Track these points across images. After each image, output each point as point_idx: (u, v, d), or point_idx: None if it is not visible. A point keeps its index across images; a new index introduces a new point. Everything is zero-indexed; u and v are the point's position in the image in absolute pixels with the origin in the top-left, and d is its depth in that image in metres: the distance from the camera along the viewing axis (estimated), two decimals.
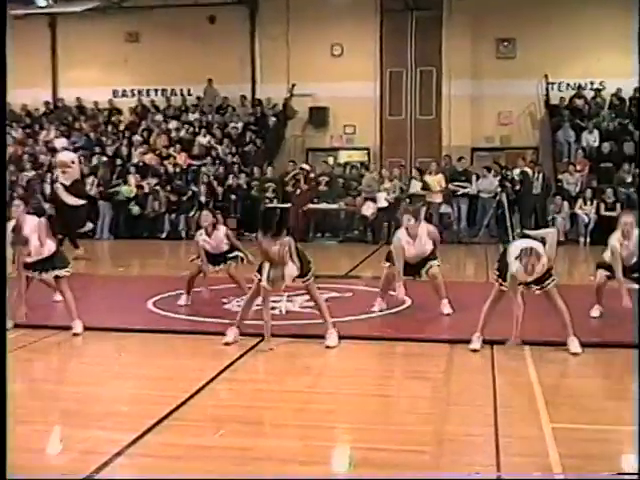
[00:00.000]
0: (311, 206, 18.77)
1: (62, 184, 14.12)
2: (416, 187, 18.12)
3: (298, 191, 18.94)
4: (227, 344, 7.32)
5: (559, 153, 20.44)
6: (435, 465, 4.45)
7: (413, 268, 8.72)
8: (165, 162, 20.80)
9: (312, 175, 19.78)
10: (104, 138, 22.37)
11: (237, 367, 6.70)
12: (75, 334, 7.81)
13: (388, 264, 8.77)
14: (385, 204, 17.95)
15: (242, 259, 9.35)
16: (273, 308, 8.32)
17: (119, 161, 20.95)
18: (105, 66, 23.76)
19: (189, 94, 23.77)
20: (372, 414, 5.51)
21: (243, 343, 7.35)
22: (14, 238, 7.45)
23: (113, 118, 23.49)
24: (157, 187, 19.66)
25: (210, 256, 9.25)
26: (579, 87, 21.70)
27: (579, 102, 21.36)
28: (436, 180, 18.37)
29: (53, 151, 20.08)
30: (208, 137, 21.69)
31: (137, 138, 21.94)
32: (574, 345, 6.99)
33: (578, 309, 7.85)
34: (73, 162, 14.38)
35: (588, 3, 21.27)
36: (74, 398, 5.86)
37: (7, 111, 18.89)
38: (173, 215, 19.27)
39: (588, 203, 17.66)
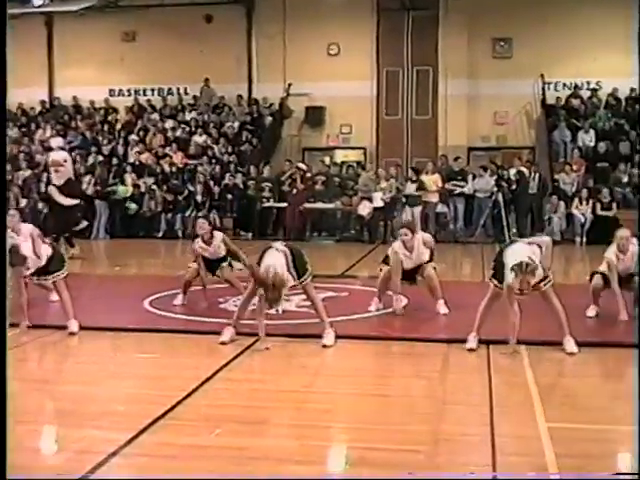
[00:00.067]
0: (307, 205, 18.77)
1: (55, 185, 14.09)
2: (411, 189, 18.12)
3: (294, 190, 18.94)
4: (223, 343, 7.32)
5: (555, 153, 20.47)
6: (431, 464, 4.44)
7: (409, 274, 8.74)
8: (161, 161, 20.80)
9: (308, 175, 19.78)
10: (100, 137, 22.38)
11: (233, 366, 6.69)
12: (71, 333, 7.81)
13: (387, 267, 8.76)
14: (381, 204, 17.97)
15: (231, 265, 9.35)
16: (270, 308, 8.32)
17: (115, 160, 20.94)
18: (101, 65, 23.76)
19: (185, 93, 23.77)
20: (368, 413, 5.51)
21: (239, 342, 7.34)
22: (12, 259, 7.40)
23: (109, 117, 23.48)
24: (153, 186, 19.67)
25: (208, 262, 9.27)
26: (575, 87, 21.75)
27: (575, 102, 21.39)
28: (432, 180, 18.38)
29: (49, 150, 19.97)
30: (204, 136, 21.71)
31: (133, 137, 21.94)
32: (570, 345, 6.99)
33: (574, 309, 7.86)
34: (65, 161, 14.36)
35: (584, 3, 21.29)
36: (69, 397, 5.85)
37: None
38: (169, 214, 19.27)
39: (584, 203, 17.68)
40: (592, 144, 20.01)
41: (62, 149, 15.45)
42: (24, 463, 4.29)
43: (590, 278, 8.67)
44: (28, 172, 20.28)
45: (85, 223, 16.01)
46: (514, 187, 18.16)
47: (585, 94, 21.66)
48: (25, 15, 21.92)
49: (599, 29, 20.94)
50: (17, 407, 4.71)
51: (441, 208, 18.75)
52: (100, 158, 21.00)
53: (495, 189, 18.12)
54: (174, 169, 20.50)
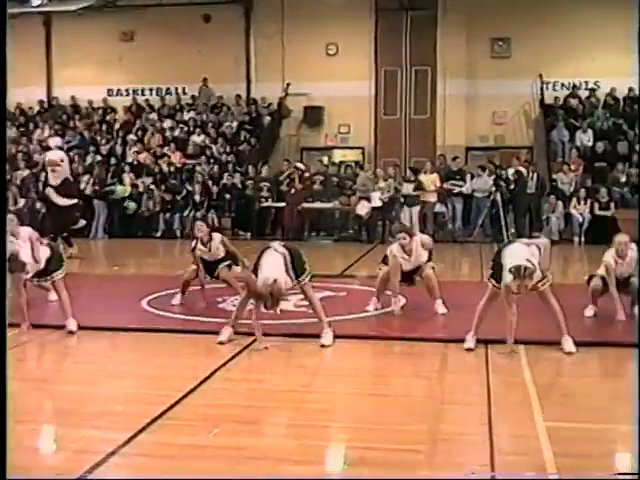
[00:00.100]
0: (306, 205, 18.77)
1: (52, 186, 14.07)
2: (408, 189, 18.11)
3: (293, 190, 18.94)
4: (221, 343, 7.32)
5: (553, 152, 20.48)
6: (429, 464, 4.45)
7: (407, 275, 8.76)
8: (160, 161, 20.80)
9: (307, 174, 19.78)
10: (98, 137, 22.38)
11: (231, 366, 6.69)
12: (70, 332, 7.81)
13: (385, 268, 8.77)
14: (379, 203, 17.97)
15: (230, 266, 9.35)
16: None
17: (113, 160, 20.93)
18: (100, 65, 23.74)
19: (184, 93, 23.77)
20: (367, 413, 5.51)
21: (237, 342, 7.34)
22: (12, 266, 7.39)
23: (107, 117, 23.48)
24: (152, 186, 19.66)
25: (206, 264, 9.27)
26: (573, 87, 21.77)
27: (573, 102, 21.40)
28: (431, 179, 18.38)
29: (47, 150, 20.04)
30: (203, 136, 21.71)
31: (131, 137, 21.94)
32: (568, 344, 6.99)
33: (572, 309, 7.87)
34: (62, 160, 14.35)
35: (583, 3, 21.31)
36: (68, 397, 5.85)
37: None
38: (168, 214, 19.26)
39: (582, 202, 17.69)
40: (590, 144, 20.03)
41: (60, 149, 15.46)
42: (23, 463, 4.29)
43: (588, 281, 8.68)
44: (26, 172, 20.27)
45: (83, 222, 16.00)
46: (512, 187, 18.16)
47: (583, 94, 21.68)
48: (23, 15, 21.92)
49: (597, 29, 20.96)
50: (16, 407, 4.71)
51: (439, 208, 18.75)
52: (98, 158, 20.99)
53: (493, 189, 18.14)
54: (172, 169, 20.50)
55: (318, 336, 7.39)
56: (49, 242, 8.69)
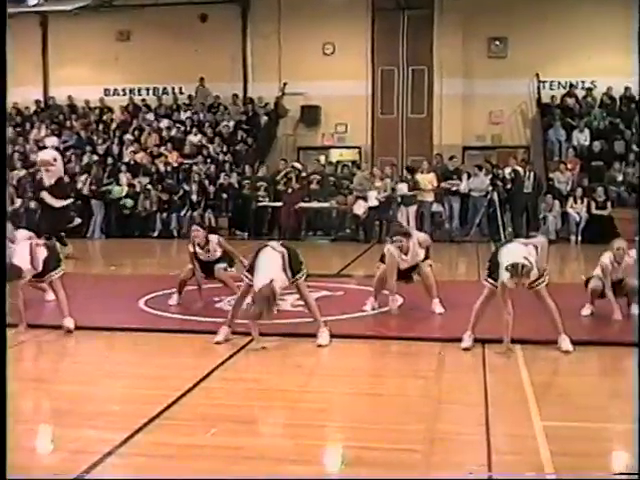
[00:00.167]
0: (303, 205, 18.77)
1: (46, 188, 14.02)
2: (403, 189, 18.10)
3: (290, 190, 18.94)
4: (218, 343, 7.32)
5: (550, 152, 20.50)
6: (427, 464, 4.45)
7: (405, 273, 8.76)
8: (156, 161, 20.80)
9: (304, 174, 19.80)
10: (95, 137, 22.37)
11: (228, 366, 6.69)
12: (68, 331, 7.80)
13: (383, 266, 8.77)
14: (376, 203, 17.96)
15: (226, 268, 9.35)
16: None
17: (110, 160, 20.93)
18: (96, 64, 23.74)
19: (180, 93, 23.76)
20: (364, 413, 5.51)
21: (234, 342, 7.34)
22: (8, 276, 7.36)
23: (104, 117, 23.47)
24: (148, 186, 19.64)
25: (203, 264, 9.27)
26: (570, 86, 21.77)
27: (570, 101, 21.43)
28: (427, 179, 18.40)
29: (44, 149, 20.04)
30: (199, 136, 21.71)
31: (128, 137, 21.93)
32: (565, 343, 7.00)
33: (569, 308, 7.88)
34: (55, 160, 14.29)
35: (579, 2, 21.35)
36: (65, 397, 5.85)
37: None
38: (164, 214, 19.26)
39: (579, 202, 17.70)
40: (587, 143, 20.05)
41: (57, 149, 15.42)
42: (20, 463, 4.29)
43: (585, 283, 8.68)
44: (23, 172, 20.25)
45: (78, 220, 15.96)
46: (509, 186, 18.17)
47: (580, 93, 21.70)
48: (20, 14, 21.88)
49: (594, 28, 20.98)
50: (13, 407, 4.70)
51: (436, 207, 18.77)
52: (95, 158, 21.00)
53: (490, 188, 18.14)
54: (169, 168, 20.50)
55: (315, 336, 7.38)
56: (45, 242, 8.68)
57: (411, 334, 7.81)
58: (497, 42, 22.20)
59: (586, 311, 8.52)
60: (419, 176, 18.45)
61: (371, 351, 7.52)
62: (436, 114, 22.31)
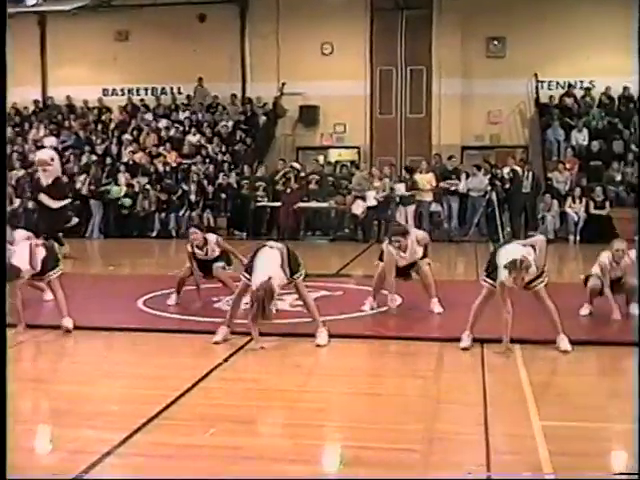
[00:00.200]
0: (301, 205, 18.76)
1: (43, 190, 13.99)
2: (400, 190, 18.10)
3: (288, 190, 18.93)
4: (217, 343, 7.32)
5: (549, 152, 20.51)
6: (425, 464, 4.45)
7: (403, 270, 8.77)
8: (155, 161, 20.79)
9: (302, 174, 19.80)
10: (94, 137, 22.36)
11: (227, 366, 6.69)
12: (67, 331, 7.80)
13: (381, 263, 8.79)
14: (374, 203, 17.95)
15: (224, 267, 9.36)
16: None
17: (109, 160, 20.92)
18: (95, 64, 23.73)
19: (179, 93, 23.74)
20: (362, 413, 5.51)
21: (233, 342, 7.34)
22: (7, 276, 7.36)
23: (103, 117, 23.45)
24: (147, 186, 19.63)
25: (201, 263, 9.28)
26: (569, 86, 21.77)
27: (569, 101, 21.42)
28: (426, 179, 18.41)
29: (42, 149, 20.03)
30: (198, 136, 21.70)
31: (127, 137, 21.92)
32: (564, 343, 7.00)
33: (568, 307, 7.88)
34: (53, 159, 14.26)
35: (578, 2, 21.34)
36: (64, 397, 5.85)
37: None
38: (163, 214, 19.24)
39: (577, 201, 17.70)
40: (585, 143, 20.05)
41: (55, 149, 15.39)
42: (19, 463, 4.29)
43: (585, 282, 8.68)
44: (22, 172, 20.24)
45: (76, 220, 15.95)
46: (508, 186, 18.17)
47: (578, 93, 21.69)
48: (18, 14, 21.86)
49: (592, 28, 20.99)
50: (12, 407, 4.70)
51: (435, 207, 18.77)
52: (94, 158, 20.99)
53: (489, 188, 18.14)
54: (168, 168, 20.49)
55: (314, 335, 7.39)
56: (44, 242, 8.68)
57: (410, 334, 7.82)
58: (496, 42, 22.20)
59: (585, 311, 8.52)
60: (418, 176, 18.45)
61: (370, 351, 7.52)
62: (435, 114, 22.31)
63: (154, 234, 19.07)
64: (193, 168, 20.11)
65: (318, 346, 7.28)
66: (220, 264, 9.28)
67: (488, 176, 18.41)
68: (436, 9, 22.17)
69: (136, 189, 19.59)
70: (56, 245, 10.49)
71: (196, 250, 9.19)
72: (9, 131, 22.32)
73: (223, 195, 19.49)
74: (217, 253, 9.27)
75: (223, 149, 21.30)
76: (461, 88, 22.00)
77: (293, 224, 18.54)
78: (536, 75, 21.54)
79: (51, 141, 21.30)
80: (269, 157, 22.00)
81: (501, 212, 17.92)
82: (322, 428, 5.21)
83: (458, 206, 18.83)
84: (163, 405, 5.43)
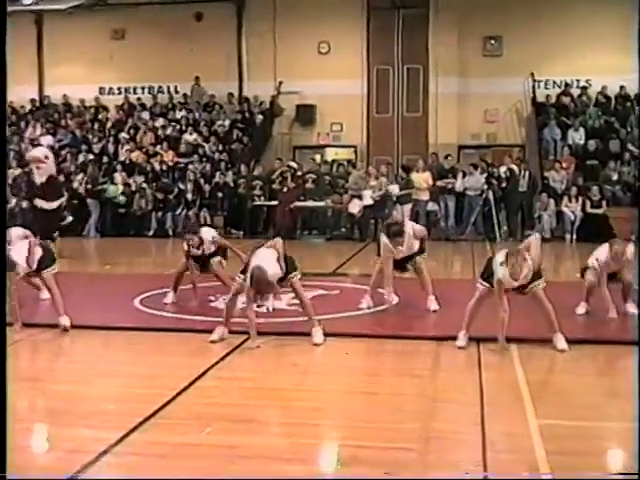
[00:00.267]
0: (298, 204, 18.75)
1: (37, 192, 13.93)
2: (395, 191, 18.08)
3: (285, 189, 18.92)
4: (213, 342, 7.32)
5: (545, 151, 20.50)
6: (422, 463, 4.45)
7: (400, 263, 8.79)
8: (152, 160, 20.75)
9: (299, 173, 19.77)
10: (90, 136, 22.33)
11: (223, 365, 6.69)
12: (63, 330, 7.80)
13: (380, 259, 8.83)
14: (371, 202, 17.95)
15: (221, 262, 9.37)
16: (260, 306, 8.34)
17: (106, 159, 20.91)
18: (91, 63, 23.68)
19: (176, 92, 23.70)
20: (359, 412, 5.51)
21: (230, 341, 7.34)
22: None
23: (99, 116, 23.42)
24: (144, 185, 19.62)
25: (198, 259, 9.28)
26: (565, 85, 21.78)
27: (565, 100, 21.43)
28: (423, 178, 18.40)
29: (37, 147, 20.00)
30: (195, 135, 21.67)
31: (124, 136, 21.88)
32: (560, 342, 7.00)
33: (564, 306, 7.89)
34: (47, 157, 14.19)
35: (575, 1, 21.35)
36: (60, 396, 5.84)
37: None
38: (160, 213, 19.22)
39: (574, 200, 17.71)
40: (582, 142, 20.04)
41: (52, 148, 15.35)
42: (16, 462, 4.28)
43: (582, 274, 8.68)
44: (18, 171, 20.20)
45: (70, 218, 15.89)
46: (504, 185, 18.19)
47: (575, 92, 21.70)
48: (15, 13, 21.83)
49: (589, 27, 21.00)
50: (9, 406, 4.69)
51: (432, 206, 18.76)
52: (90, 157, 20.96)
53: (485, 187, 18.14)
54: (164, 167, 20.47)
55: (310, 334, 7.38)
56: (40, 242, 8.66)
57: (406, 333, 7.83)
58: (492, 41, 22.20)
59: (581, 309, 8.52)
60: (414, 175, 18.44)
61: (366, 350, 7.52)
62: (431, 113, 22.31)
63: (151, 233, 19.05)
64: (190, 167, 20.10)
65: (315, 345, 7.28)
66: (217, 259, 9.30)
67: (485, 175, 18.41)
68: (433, 8, 22.16)
69: (133, 188, 19.58)
70: (52, 244, 10.50)
71: (194, 250, 9.20)
72: (6, 130, 22.31)
73: (220, 194, 19.48)
74: (213, 249, 9.29)
75: (220, 148, 21.28)
76: (458, 87, 22.00)
77: (290, 223, 18.53)
78: (533, 74, 21.55)
79: (48, 140, 21.26)
80: (266, 156, 21.98)
81: (498, 211, 17.94)
82: (318, 427, 5.21)
83: (455, 205, 18.84)
84: (159, 404, 5.43)
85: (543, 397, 5.78)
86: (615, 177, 18.47)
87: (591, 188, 17.78)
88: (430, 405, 5.57)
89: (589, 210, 17.46)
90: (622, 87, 20.87)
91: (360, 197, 18.07)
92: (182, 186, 19.55)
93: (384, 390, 6.12)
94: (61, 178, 18.62)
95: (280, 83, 22.58)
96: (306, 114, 22.79)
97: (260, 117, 22.52)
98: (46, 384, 6.35)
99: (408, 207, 17.89)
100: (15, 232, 8.41)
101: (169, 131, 22.08)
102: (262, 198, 19.29)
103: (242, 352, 7.10)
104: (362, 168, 19.78)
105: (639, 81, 19.08)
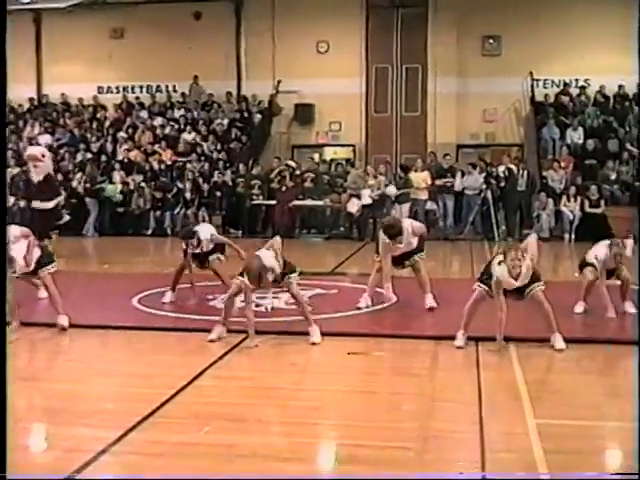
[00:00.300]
0: (296, 203, 18.76)
1: (35, 193, 13.90)
2: (392, 192, 18.07)
3: (283, 188, 18.93)
4: (212, 341, 7.32)
5: (544, 150, 20.50)
6: (420, 462, 4.45)
7: (398, 259, 8.79)
8: (150, 159, 20.75)
9: (297, 172, 19.79)
10: (89, 135, 22.32)
11: (222, 364, 6.69)
12: (62, 329, 7.79)
13: (378, 257, 8.84)
14: (369, 201, 17.95)
15: (219, 258, 9.39)
16: (258, 305, 8.35)
17: (104, 158, 20.90)
18: (90, 62, 23.67)
19: (174, 91, 23.68)
20: (357, 411, 5.51)
21: (228, 340, 7.34)
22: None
23: (98, 114, 23.41)
24: (142, 184, 19.61)
25: (197, 256, 9.28)
26: (564, 84, 21.77)
27: (564, 99, 21.43)
28: (421, 177, 18.41)
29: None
30: (193, 134, 21.67)
31: (122, 135, 21.88)
32: (558, 342, 7.00)
33: (562, 305, 7.89)
34: (44, 155, 14.16)
35: (573, 1, 21.35)
36: (59, 395, 5.84)
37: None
38: (158, 212, 19.22)
39: (572, 200, 17.72)
40: (580, 141, 20.05)
41: (50, 147, 15.32)
42: (14, 461, 4.27)
43: (580, 269, 8.68)
44: (16, 170, 20.19)
45: (67, 217, 15.88)
46: (503, 184, 18.20)
47: (574, 91, 21.70)
48: (13, 12, 21.83)
49: (587, 27, 21.00)
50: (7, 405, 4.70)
51: (430, 205, 18.77)
52: (89, 156, 20.96)
53: (484, 186, 18.15)
54: (163, 166, 20.47)
55: (308, 334, 7.38)
56: (39, 243, 8.66)
57: (405, 332, 7.83)
58: (491, 40, 22.20)
59: (579, 308, 8.52)
60: (413, 174, 18.45)
61: (365, 349, 7.50)
62: (430, 112, 22.30)
63: (149, 232, 19.05)
64: (188, 166, 20.10)
65: (313, 344, 7.28)
66: (215, 256, 9.31)
67: (483, 174, 18.43)
68: (432, 7, 22.16)
69: (131, 187, 19.58)
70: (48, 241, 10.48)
71: (190, 247, 9.19)
72: None
73: (218, 193, 19.48)
74: (212, 246, 9.29)
75: (218, 147, 21.28)
76: (456, 86, 22.00)
77: (288, 222, 18.53)
78: (531, 73, 21.54)
79: (46, 139, 21.26)
80: (264, 155, 21.98)
81: (496, 210, 17.95)
82: (317, 426, 5.21)
83: (453, 204, 18.85)
84: (158, 403, 5.43)
85: (541, 396, 5.78)
86: (613, 176, 18.48)
87: (590, 187, 17.80)
88: (428, 404, 5.57)
89: (588, 209, 17.47)
90: (620, 87, 20.89)
91: (359, 196, 18.08)
92: (180, 185, 19.55)
93: (382, 389, 6.13)
94: (60, 177, 18.66)
95: (279, 82, 22.57)
96: (305, 113, 22.78)
97: (259, 116, 22.51)
98: (44, 383, 6.35)
99: (406, 206, 17.90)
100: (14, 230, 8.39)
101: (167, 130, 22.07)
102: (261, 197, 19.29)
103: (240, 351, 7.10)
104: (361, 167, 19.78)
105: (639, 81, 19.15)
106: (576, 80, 21.75)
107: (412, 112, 22.63)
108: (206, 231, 9.42)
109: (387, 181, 18.54)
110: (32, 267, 8.01)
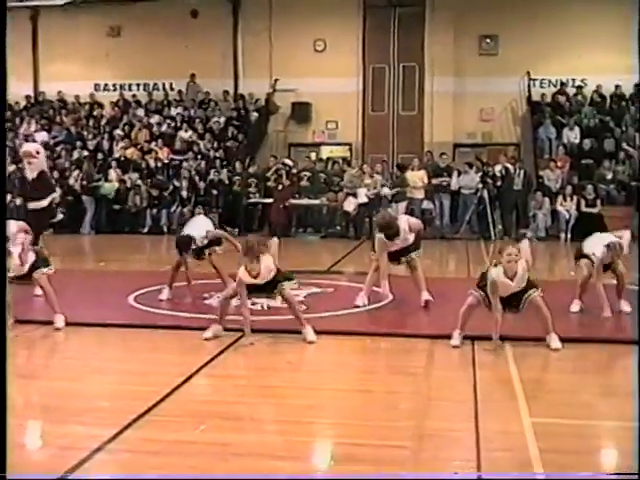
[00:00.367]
0: (293, 201, 18.76)
1: (29, 193, 13.86)
2: (387, 192, 18.07)
3: (280, 186, 18.93)
4: (207, 339, 7.31)
5: (540, 149, 20.53)
6: (416, 460, 4.45)
7: (394, 255, 8.80)
8: (147, 157, 20.75)
9: (294, 170, 19.80)
10: (85, 132, 22.31)
11: (217, 362, 6.69)
12: (57, 328, 7.78)
13: (375, 255, 8.85)
14: (366, 200, 17.96)
15: (215, 251, 9.40)
16: (254, 304, 8.34)
17: (100, 155, 20.88)
18: (87, 60, 23.66)
19: (171, 89, 23.67)
20: (353, 409, 5.52)
21: (224, 339, 7.33)
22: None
23: (94, 112, 23.39)
24: (139, 182, 19.61)
25: (193, 250, 9.29)
26: (561, 84, 21.78)
27: (561, 99, 21.44)
28: (418, 176, 18.41)
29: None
30: (190, 132, 21.66)
31: (119, 132, 21.89)
32: (554, 341, 7.00)
33: (558, 305, 7.89)
34: (38, 152, 14.10)
35: (570, 1, 21.35)
36: (54, 393, 5.84)
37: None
38: (155, 210, 19.22)
39: (569, 199, 17.73)
40: (577, 141, 20.07)
41: (46, 144, 15.29)
42: (10, 459, 4.27)
43: (576, 260, 8.68)
44: (12, 167, 20.16)
45: (61, 215, 15.84)
46: (499, 184, 18.21)
47: (570, 91, 21.71)
48: (10, 9, 21.78)
49: (584, 26, 21.00)
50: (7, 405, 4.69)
51: (427, 204, 18.77)
52: (85, 153, 20.95)
53: (480, 185, 18.16)
54: (159, 164, 20.47)
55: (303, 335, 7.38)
56: (34, 247, 8.63)
57: (401, 330, 7.82)
58: (488, 40, 22.20)
59: (575, 307, 8.52)
60: (409, 173, 18.47)
61: (361, 347, 7.51)
62: (427, 111, 22.31)
63: (145, 230, 19.06)
64: (185, 164, 20.09)
65: (310, 343, 7.28)
66: (211, 249, 9.32)
67: (480, 174, 18.44)
68: (429, 7, 22.15)
69: (128, 185, 19.57)
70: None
71: (188, 258, 9.21)
72: None
73: (215, 191, 19.48)
74: (207, 242, 9.29)
75: (215, 145, 21.27)
76: (453, 86, 22.00)
77: (284, 221, 18.53)
78: (528, 73, 21.56)
79: (42, 136, 21.24)
80: (261, 153, 21.99)
81: (492, 210, 17.96)
82: (312, 425, 5.21)
83: (450, 203, 18.85)
84: (153, 401, 5.42)
85: (537, 395, 5.78)
86: (610, 176, 18.51)
87: (586, 187, 17.81)
88: (424, 403, 5.57)
89: (584, 209, 17.48)
90: (617, 86, 20.91)
91: (355, 195, 18.09)
92: (177, 183, 19.56)
93: (378, 388, 6.12)
94: (56, 175, 18.63)
95: (276, 81, 22.57)
96: (301, 112, 22.79)
97: (255, 114, 22.51)
98: (40, 381, 6.34)
99: (402, 205, 17.91)
100: (12, 226, 8.35)
101: (164, 128, 22.06)
102: (257, 195, 19.31)
103: (236, 350, 7.09)
104: (357, 166, 19.77)
105: (638, 80, 19.16)
106: (573, 80, 21.76)
107: (409, 111, 22.64)
108: (201, 228, 9.39)
109: (384, 180, 18.57)
110: (26, 269, 7.98)
